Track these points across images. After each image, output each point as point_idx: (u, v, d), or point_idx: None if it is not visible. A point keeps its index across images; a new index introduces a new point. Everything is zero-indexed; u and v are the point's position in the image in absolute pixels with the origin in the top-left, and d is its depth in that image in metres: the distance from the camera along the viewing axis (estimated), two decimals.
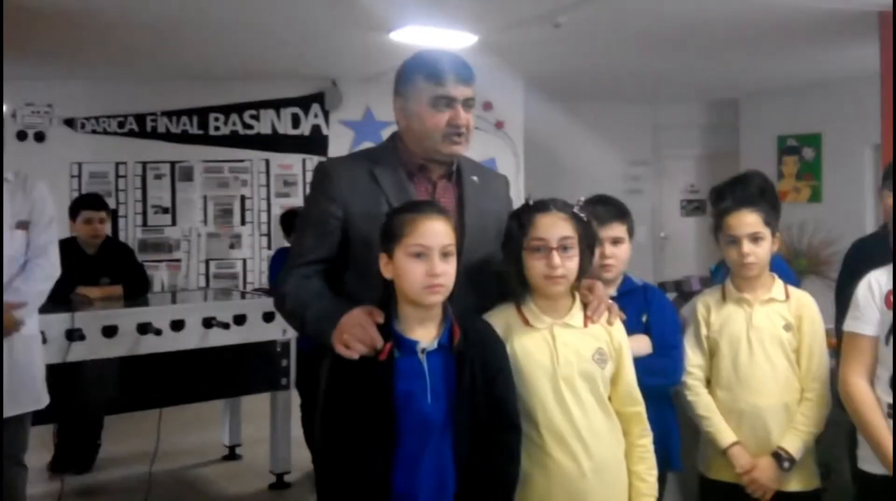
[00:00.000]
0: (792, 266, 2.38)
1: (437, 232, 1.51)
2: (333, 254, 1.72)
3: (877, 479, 1.80)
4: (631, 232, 2.02)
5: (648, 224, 7.04)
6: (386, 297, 1.55)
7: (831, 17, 3.81)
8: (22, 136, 5.39)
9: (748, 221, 1.97)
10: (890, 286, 1.82)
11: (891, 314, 1.80)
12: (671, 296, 2.73)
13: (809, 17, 3.83)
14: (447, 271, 1.51)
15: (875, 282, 1.85)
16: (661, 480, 1.79)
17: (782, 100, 6.28)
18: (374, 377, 1.48)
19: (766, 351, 1.96)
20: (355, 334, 1.49)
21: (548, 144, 6.37)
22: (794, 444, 1.91)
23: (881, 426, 1.77)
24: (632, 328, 1.85)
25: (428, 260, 1.49)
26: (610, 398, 1.68)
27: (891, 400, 1.78)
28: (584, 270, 1.67)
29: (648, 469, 1.68)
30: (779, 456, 1.91)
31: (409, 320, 1.53)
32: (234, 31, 4.33)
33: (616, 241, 1.94)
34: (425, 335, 1.53)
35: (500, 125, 6.07)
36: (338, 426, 1.51)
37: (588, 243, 1.68)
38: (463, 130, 1.72)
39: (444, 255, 1.51)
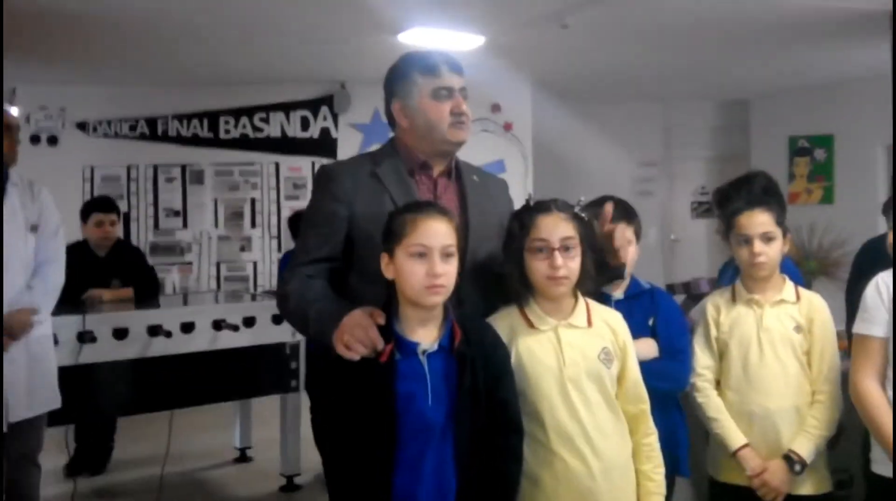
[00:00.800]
0: (802, 268, 2.36)
1: (437, 232, 1.51)
2: (337, 254, 1.72)
3: (889, 482, 1.78)
4: (638, 234, 2.01)
5: (658, 226, 7.01)
6: (387, 298, 1.55)
7: (843, 16, 3.78)
8: (35, 139, 5.46)
9: (760, 220, 1.96)
10: None
11: None
12: (680, 298, 2.71)
13: (821, 16, 3.80)
14: (448, 272, 1.51)
15: (884, 283, 1.83)
16: (669, 484, 1.78)
17: (794, 101, 6.24)
18: (374, 379, 1.47)
19: (776, 353, 1.95)
20: (356, 334, 1.49)
21: (557, 146, 6.35)
22: (805, 447, 1.90)
23: (892, 428, 1.75)
24: (639, 331, 1.85)
25: (428, 260, 1.49)
26: (615, 397, 1.67)
27: None
28: (587, 270, 1.66)
29: (655, 467, 1.68)
30: (790, 460, 1.89)
31: (410, 321, 1.53)
32: (243, 36, 4.36)
33: (624, 243, 1.93)
34: (426, 336, 1.53)
35: (509, 127, 6.06)
36: (340, 428, 1.51)
37: (590, 243, 1.68)
38: (465, 117, 1.75)
39: (445, 255, 1.51)
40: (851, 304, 2.05)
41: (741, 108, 6.81)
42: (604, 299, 1.85)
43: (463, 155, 1.86)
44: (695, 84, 6.14)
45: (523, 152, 6.13)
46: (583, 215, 1.69)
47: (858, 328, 1.84)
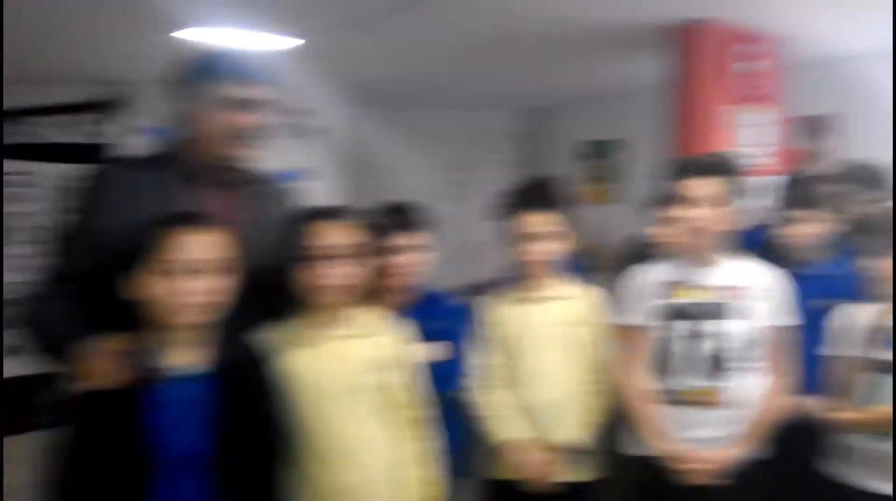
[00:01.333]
0: (586, 265, 2.53)
1: (198, 246, 1.40)
2: (91, 270, 1.55)
3: (633, 459, 1.93)
4: (426, 241, 2.00)
5: (463, 230, 7.27)
6: (141, 319, 1.41)
7: (633, 30, 4.15)
8: None
9: (534, 221, 2.04)
10: (656, 278, 1.96)
11: (657, 303, 1.93)
12: (473, 300, 2.77)
13: (612, 29, 4.12)
14: (210, 289, 1.40)
15: (639, 275, 1.99)
16: (455, 486, 1.78)
17: (588, 108, 6.82)
18: (123, 411, 1.33)
19: (553, 347, 2.01)
20: (100, 364, 1.35)
21: (370, 152, 6.37)
22: (576, 435, 1.97)
23: (646, 412, 1.89)
24: (425, 335, 1.84)
25: (188, 277, 1.37)
26: (393, 404, 1.64)
27: (659, 386, 1.91)
28: (365, 278, 1.63)
29: (434, 472, 1.67)
30: (561, 448, 1.96)
31: (165, 344, 1.40)
32: (8, 33, 3.83)
33: (403, 250, 1.91)
34: (182, 359, 1.41)
35: (321, 132, 5.96)
36: (83, 467, 1.35)
37: (369, 251, 1.65)
38: (247, 133, 1.63)
39: (207, 271, 1.39)
40: (615, 296, 2.21)
41: (542, 114, 7.40)
42: (390, 305, 1.82)
43: (272, 162, 1.74)
44: (498, 92, 6.48)
45: (336, 158, 6.05)
46: (362, 222, 1.66)
47: (618, 318, 1.98)
